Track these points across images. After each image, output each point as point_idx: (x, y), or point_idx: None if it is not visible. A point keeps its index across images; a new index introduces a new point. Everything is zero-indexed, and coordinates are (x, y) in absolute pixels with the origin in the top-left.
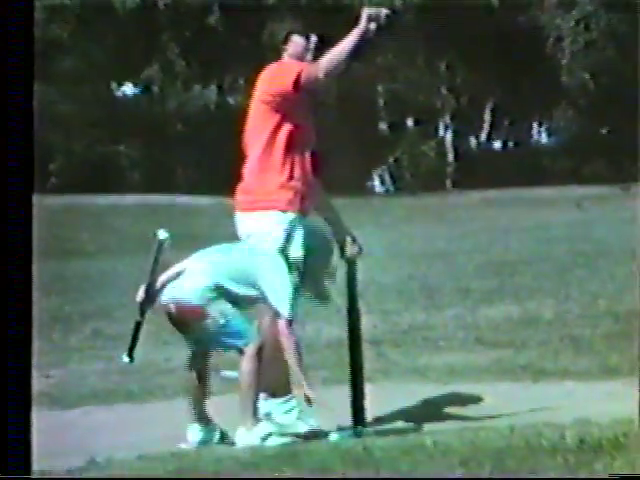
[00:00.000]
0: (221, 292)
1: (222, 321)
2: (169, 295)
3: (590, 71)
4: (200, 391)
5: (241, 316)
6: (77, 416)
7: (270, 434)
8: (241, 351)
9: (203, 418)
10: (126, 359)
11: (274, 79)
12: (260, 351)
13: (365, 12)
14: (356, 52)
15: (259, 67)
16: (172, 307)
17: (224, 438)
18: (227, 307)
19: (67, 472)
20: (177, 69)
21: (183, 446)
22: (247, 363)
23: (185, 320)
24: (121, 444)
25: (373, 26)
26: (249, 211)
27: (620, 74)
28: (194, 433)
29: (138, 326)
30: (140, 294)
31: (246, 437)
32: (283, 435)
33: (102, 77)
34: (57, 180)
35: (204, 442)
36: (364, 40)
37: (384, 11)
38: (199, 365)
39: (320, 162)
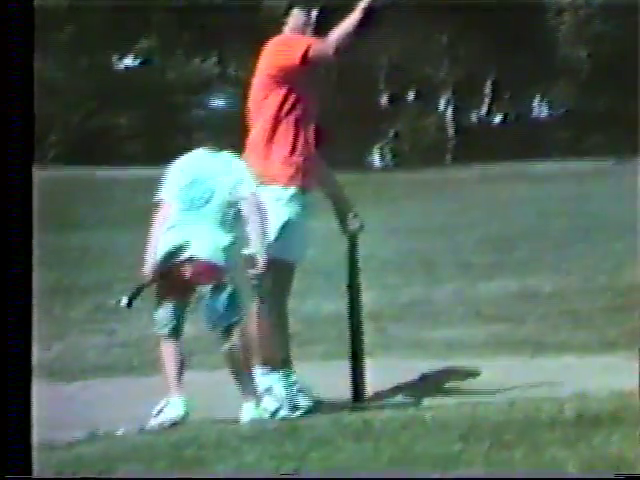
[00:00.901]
0: (232, 251)
1: (229, 290)
2: (189, 253)
3: (590, 45)
4: (181, 363)
5: (243, 291)
6: (78, 389)
7: (279, 408)
8: (227, 330)
9: (182, 390)
10: (125, 302)
11: (281, 53)
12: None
13: None
14: (362, 27)
15: (259, 40)
16: (189, 268)
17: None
18: (236, 275)
19: (68, 445)
20: (175, 41)
21: (154, 423)
22: (241, 339)
23: (196, 282)
24: (122, 417)
25: (378, 3)
26: None
27: (620, 48)
28: (178, 406)
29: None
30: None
31: (255, 412)
32: (288, 409)
33: (101, 48)
34: (56, 152)
35: (186, 416)
36: (369, 15)
37: None
38: (179, 337)
39: (323, 136)
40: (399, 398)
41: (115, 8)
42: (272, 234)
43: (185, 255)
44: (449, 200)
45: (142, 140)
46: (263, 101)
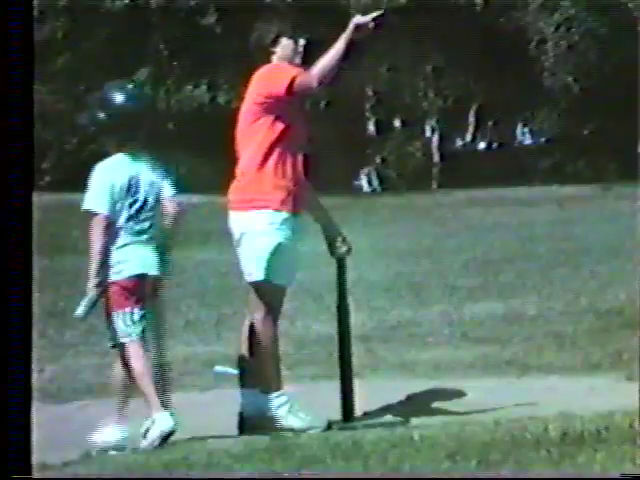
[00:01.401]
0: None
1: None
2: (155, 271)
3: (572, 73)
4: (131, 388)
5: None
6: (72, 410)
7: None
8: (121, 346)
9: (124, 418)
10: (81, 312)
11: (267, 81)
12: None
13: (353, 21)
14: (345, 58)
15: (248, 68)
16: (150, 284)
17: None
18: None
19: (63, 465)
20: (167, 69)
21: (145, 444)
22: (138, 355)
23: (149, 297)
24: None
25: (360, 35)
26: (242, 210)
27: (602, 76)
28: (166, 421)
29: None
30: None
31: (171, 420)
32: (277, 429)
33: (95, 76)
34: (50, 178)
35: (175, 428)
36: (351, 46)
37: (372, 18)
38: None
39: (309, 163)
40: (388, 418)
41: (109, 37)
42: (264, 257)
43: (152, 272)
44: (435, 224)
45: None
46: (251, 128)
